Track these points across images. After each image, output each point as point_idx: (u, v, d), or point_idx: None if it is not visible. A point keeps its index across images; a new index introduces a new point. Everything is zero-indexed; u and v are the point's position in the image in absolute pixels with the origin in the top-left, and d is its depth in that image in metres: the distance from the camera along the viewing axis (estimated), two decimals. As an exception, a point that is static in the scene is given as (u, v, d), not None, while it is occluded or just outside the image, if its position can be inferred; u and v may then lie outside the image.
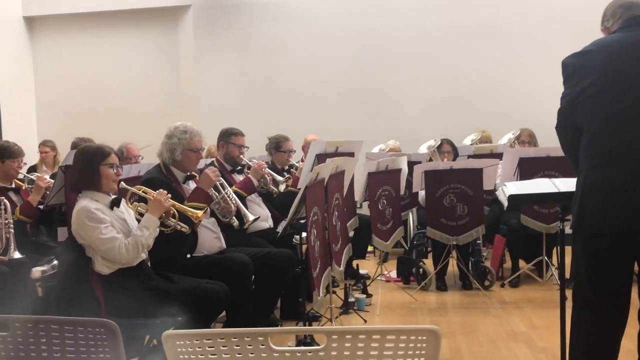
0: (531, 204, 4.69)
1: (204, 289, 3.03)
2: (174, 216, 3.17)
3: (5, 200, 3.53)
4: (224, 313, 3.51)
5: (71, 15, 7.94)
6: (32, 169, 5.97)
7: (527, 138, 5.63)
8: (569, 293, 2.57)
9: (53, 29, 8.09)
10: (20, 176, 4.25)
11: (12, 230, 3.42)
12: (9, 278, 3.31)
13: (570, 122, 2.38)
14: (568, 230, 2.56)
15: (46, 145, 6.18)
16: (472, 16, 7.33)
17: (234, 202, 3.68)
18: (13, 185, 4.15)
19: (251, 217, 3.84)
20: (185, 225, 3.21)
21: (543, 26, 7.06)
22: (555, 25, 6.97)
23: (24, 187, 4.16)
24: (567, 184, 2.79)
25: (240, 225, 3.79)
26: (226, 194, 3.68)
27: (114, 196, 3.03)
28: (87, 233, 2.83)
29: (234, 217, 3.71)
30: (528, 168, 4.80)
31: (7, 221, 3.43)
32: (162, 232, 3.12)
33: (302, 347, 1.14)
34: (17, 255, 3.44)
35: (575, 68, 2.34)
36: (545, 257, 4.95)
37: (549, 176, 4.47)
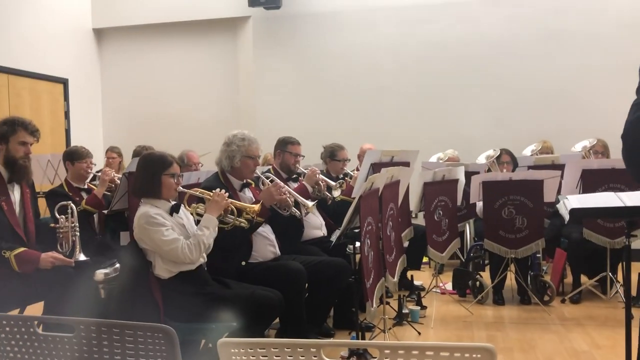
0: (594, 218, 4.52)
1: (259, 295, 3.07)
2: (232, 213, 3.25)
3: (72, 205, 3.69)
4: (277, 320, 3.54)
5: (137, 27, 8.26)
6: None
7: (601, 149, 5.43)
8: (635, 312, 2.46)
9: (120, 40, 8.43)
10: (91, 177, 4.48)
11: (78, 234, 3.57)
12: (74, 279, 3.44)
13: None
14: (635, 245, 2.43)
15: (113, 152, 6.42)
16: (535, 23, 7.14)
17: (288, 194, 3.73)
18: (85, 187, 4.38)
19: (310, 203, 3.89)
20: (244, 220, 3.29)
21: (612, 32, 6.79)
22: (625, 30, 6.70)
23: (95, 189, 4.37)
24: (634, 198, 2.67)
25: (301, 214, 3.89)
26: None
27: (173, 202, 3.12)
28: (150, 237, 2.92)
29: (293, 208, 3.77)
30: (591, 180, 4.63)
31: (73, 225, 3.58)
32: (221, 232, 3.19)
33: (355, 361, 1.14)
34: (82, 257, 3.59)
35: None
36: (610, 273, 4.75)
37: (614, 189, 4.31)
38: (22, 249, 3.32)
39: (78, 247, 3.58)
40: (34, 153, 3.64)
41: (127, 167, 4.38)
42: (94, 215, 4.30)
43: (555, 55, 7.09)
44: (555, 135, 6.43)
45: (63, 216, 3.59)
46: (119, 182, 4.26)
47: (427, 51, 7.45)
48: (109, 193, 4.32)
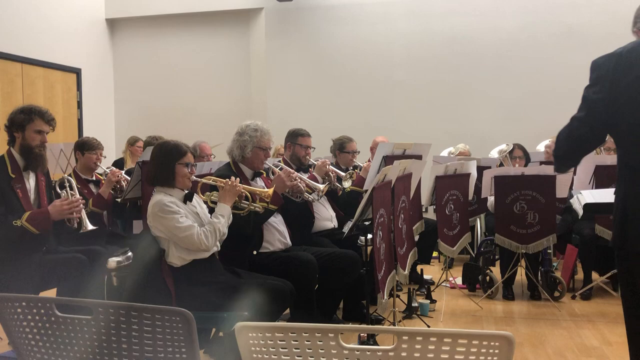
0: (607, 213, 4.49)
1: (270, 285, 3.08)
2: (246, 199, 3.26)
3: (69, 178, 3.69)
4: (287, 310, 3.55)
5: (149, 17, 8.28)
6: (119, 163, 6.20)
7: (612, 145, 5.38)
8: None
9: (133, 30, 8.45)
10: (100, 170, 4.47)
11: (82, 206, 3.58)
12: (87, 267, 3.47)
13: (599, 121, 2.13)
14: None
15: (143, 141, 6.39)
16: (549, 17, 7.09)
17: (298, 179, 3.75)
18: (94, 178, 4.39)
19: (322, 186, 3.93)
20: (258, 205, 3.30)
21: (625, 29, 6.71)
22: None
23: (102, 181, 4.38)
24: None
25: (314, 199, 3.95)
26: None
27: (187, 191, 3.13)
28: (164, 224, 2.94)
29: (306, 193, 3.78)
30: (605, 176, 4.59)
31: (74, 196, 3.57)
32: (235, 218, 3.21)
33: (373, 347, 1.14)
34: (90, 226, 3.62)
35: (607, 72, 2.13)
36: (621, 270, 4.72)
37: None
38: (28, 212, 3.35)
39: (84, 218, 3.61)
40: (48, 142, 3.66)
41: (142, 156, 4.39)
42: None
43: (569, 51, 7.03)
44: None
45: (63, 191, 3.60)
46: (124, 184, 4.26)
47: (441, 45, 7.41)
48: (112, 192, 4.31)
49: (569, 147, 2.21)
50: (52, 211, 3.39)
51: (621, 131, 2.11)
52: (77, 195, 3.60)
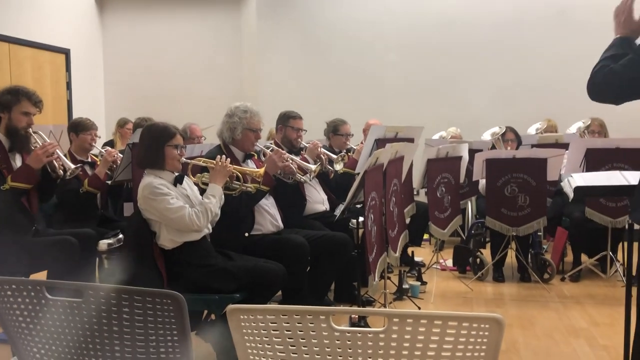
0: (598, 196, 4.52)
1: (262, 267, 3.09)
2: (237, 179, 3.25)
3: (37, 131, 3.62)
4: (279, 292, 3.57)
5: (139, -3, 8.17)
6: (109, 145, 6.15)
7: (597, 128, 5.40)
8: (634, 291, 2.48)
9: (122, 11, 8.34)
10: (96, 151, 4.43)
11: (59, 153, 3.56)
12: (78, 249, 3.46)
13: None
14: (637, 225, 2.44)
15: (133, 123, 6.34)
16: (542, 1, 7.06)
17: (290, 160, 3.74)
18: (89, 160, 4.35)
19: (313, 167, 3.93)
20: (250, 186, 3.30)
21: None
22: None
23: (98, 162, 4.34)
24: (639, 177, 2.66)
25: (306, 180, 3.95)
26: None
27: (177, 173, 3.11)
28: (155, 206, 2.92)
29: (298, 175, 3.77)
30: (595, 159, 4.61)
31: (44, 142, 3.50)
32: (226, 200, 3.20)
33: (364, 328, 1.14)
34: (72, 165, 3.63)
35: None
36: (610, 253, 4.77)
37: (618, 169, 4.30)
38: (9, 175, 3.35)
39: (64, 159, 3.61)
40: (36, 124, 3.62)
41: (131, 137, 4.36)
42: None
43: (561, 36, 7.02)
44: (561, 114, 6.39)
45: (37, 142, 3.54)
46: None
47: (433, 28, 7.38)
48: (109, 172, 4.28)
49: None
50: (30, 161, 3.38)
51: None
52: (48, 140, 3.57)
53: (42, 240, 3.48)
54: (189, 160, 3.26)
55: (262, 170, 3.39)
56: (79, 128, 4.29)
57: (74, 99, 7.73)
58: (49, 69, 7.40)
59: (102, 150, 4.40)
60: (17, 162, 3.51)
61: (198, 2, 8.09)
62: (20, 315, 1.38)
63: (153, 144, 3.04)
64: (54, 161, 3.48)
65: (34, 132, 3.54)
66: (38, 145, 3.45)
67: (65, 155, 4.12)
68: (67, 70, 7.68)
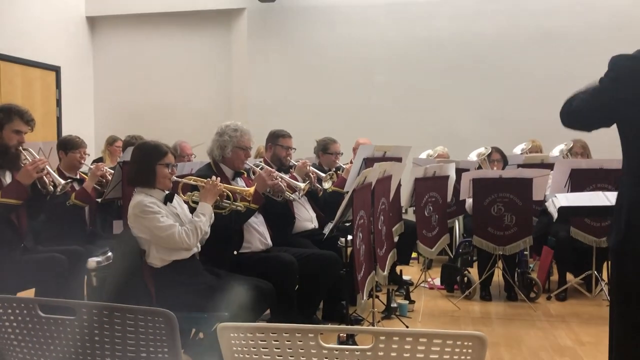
0: (581, 216, 4.59)
1: (251, 285, 3.10)
2: (227, 198, 3.28)
3: (27, 148, 3.61)
4: (268, 311, 3.57)
5: (130, 16, 8.23)
6: (99, 162, 6.14)
7: (580, 149, 5.49)
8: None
9: (113, 28, 8.39)
10: (85, 169, 4.44)
11: (49, 169, 3.56)
12: (66, 267, 3.45)
13: (606, 113, 2.22)
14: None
15: (122, 141, 6.35)
16: (529, 22, 7.22)
17: (279, 179, 3.78)
18: (78, 177, 4.35)
19: (302, 185, 3.97)
20: (240, 204, 3.32)
21: (603, 33, 6.88)
22: (616, 32, 6.77)
23: (85, 180, 4.34)
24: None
25: (295, 198, 4.00)
26: None
27: (167, 192, 3.13)
28: (145, 225, 2.94)
29: (287, 193, 3.80)
30: (580, 180, 4.69)
31: (34, 158, 3.50)
32: (216, 218, 3.22)
33: (351, 346, 1.17)
34: (62, 181, 3.62)
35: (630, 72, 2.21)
36: (595, 272, 4.83)
37: (602, 189, 4.38)
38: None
39: (54, 175, 3.61)
40: (26, 141, 3.63)
41: (122, 156, 4.37)
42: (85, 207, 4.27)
43: (548, 56, 7.16)
44: (547, 134, 6.48)
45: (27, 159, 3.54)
46: (110, 177, 4.23)
47: (421, 48, 7.50)
48: (98, 187, 4.28)
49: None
50: (20, 177, 3.38)
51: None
52: (37, 156, 3.58)
53: (30, 257, 3.48)
54: (179, 179, 3.28)
55: (252, 189, 3.42)
56: (68, 146, 4.29)
57: (63, 116, 7.74)
58: (39, 85, 7.41)
59: (92, 167, 4.41)
60: (7, 179, 3.51)
61: (188, 21, 8.16)
62: (12, 333, 1.40)
63: (144, 162, 3.06)
64: (44, 177, 3.49)
65: (24, 149, 3.55)
66: (28, 162, 3.46)
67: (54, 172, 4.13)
68: (57, 87, 7.70)
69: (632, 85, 2.15)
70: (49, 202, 3.77)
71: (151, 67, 8.27)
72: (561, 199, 3.38)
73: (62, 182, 3.64)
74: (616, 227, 2.21)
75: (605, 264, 4.98)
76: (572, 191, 4.62)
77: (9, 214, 3.40)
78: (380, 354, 1.20)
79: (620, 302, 2.29)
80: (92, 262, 3.56)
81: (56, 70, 7.68)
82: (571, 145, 5.53)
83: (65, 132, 7.15)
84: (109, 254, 3.58)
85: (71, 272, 3.50)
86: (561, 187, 4.72)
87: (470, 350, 1.18)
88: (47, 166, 3.53)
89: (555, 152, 5.68)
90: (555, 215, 3.81)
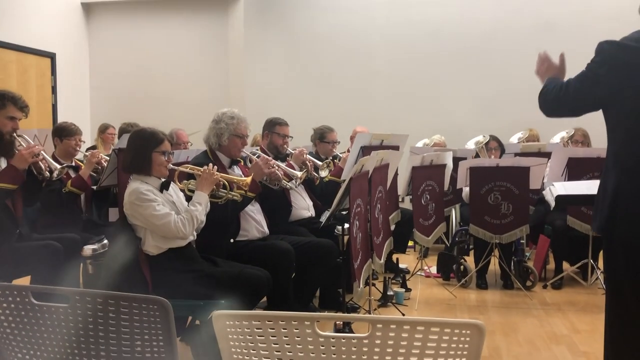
0: (579, 205, 4.59)
1: (247, 274, 3.10)
2: (224, 187, 3.26)
3: (22, 135, 3.59)
4: (264, 298, 3.57)
5: (126, 2, 8.15)
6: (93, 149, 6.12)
7: (580, 138, 5.48)
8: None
9: (109, 15, 8.31)
10: (80, 156, 4.41)
11: (44, 154, 3.54)
12: (62, 254, 3.44)
13: (591, 100, 2.23)
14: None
15: (116, 128, 6.32)
16: (527, 11, 7.18)
17: (276, 167, 3.77)
18: (73, 164, 4.33)
19: (299, 173, 3.97)
20: (236, 194, 3.31)
21: (600, 23, 6.84)
22: (614, 23, 6.72)
23: (82, 167, 4.32)
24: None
25: (292, 186, 3.98)
26: None
27: (163, 179, 3.11)
28: (141, 212, 2.92)
29: (284, 181, 3.79)
30: (577, 169, 4.69)
31: (28, 144, 3.49)
32: (212, 207, 3.21)
33: (348, 334, 1.16)
34: (58, 165, 3.60)
35: (616, 60, 2.19)
36: (591, 260, 4.84)
37: (599, 178, 4.37)
38: None
39: (50, 160, 3.58)
40: (21, 128, 3.61)
41: (117, 143, 4.35)
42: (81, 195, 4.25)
43: (546, 44, 7.05)
44: (545, 123, 6.45)
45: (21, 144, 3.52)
46: (105, 164, 4.20)
47: (419, 37, 7.46)
48: (95, 174, 4.26)
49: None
50: (15, 161, 3.36)
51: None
52: (31, 141, 3.56)
53: (26, 244, 3.46)
54: (176, 167, 3.26)
55: (248, 179, 3.40)
56: (64, 133, 4.27)
57: (59, 103, 7.69)
58: (35, 73, 7.35)
59: (87, 154, 4.38)
60: (2, 165, 3.49)
61: (185, 7, 8.09)
62: (5, 321, 1.39)
63: (141, 149, 3.04)
64: (40, 162, 3.46)
65: (19, 136, 3.52)
66: (23, 147, 3.43)
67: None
68: (53, 74, 7.64)
69: (617, 71, 2.15)
70: (44, 189, 3.75)
71: (147, 54, 8.20)
72: (559, 188, 3.38)
73: (58, 166, 3.62)
74: (600, 213, 2.21)
75: (601, 253, 4.99)
76: (569, 180, 4.62)
77: (4, 199, 3.38)
78: (377, 341, 1.19)
79: (612, 292, 2.30)
80: (88, 249, 3.57)
81: (51, 57, 7.61)
82: (572, 132, 5.52)
83: (60, 119, 7.11)
84: (105, 241, 3.59)
85: (67, 259, 3.49)
86: (558, 175, 4.71)
87: (468, 339, 1.17)
88: (42, 151, 3.51)
89: (556, 139, 5.66)
90: (552, 203, 3.81)
